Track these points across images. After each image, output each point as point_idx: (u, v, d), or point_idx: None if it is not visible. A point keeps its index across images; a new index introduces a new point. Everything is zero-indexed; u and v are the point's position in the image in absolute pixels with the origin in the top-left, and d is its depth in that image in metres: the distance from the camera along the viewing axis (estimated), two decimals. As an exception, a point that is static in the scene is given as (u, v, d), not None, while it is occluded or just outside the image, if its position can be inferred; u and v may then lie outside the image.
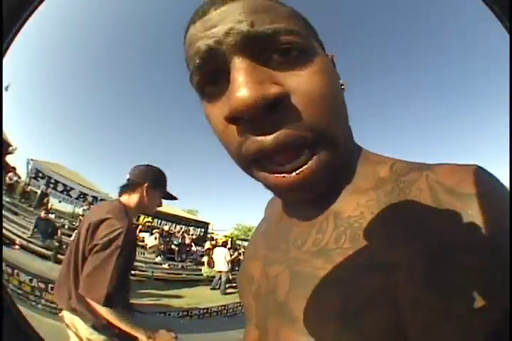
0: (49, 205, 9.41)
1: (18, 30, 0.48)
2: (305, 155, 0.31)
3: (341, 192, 0.37)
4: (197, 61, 0.32)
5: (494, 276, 0.25)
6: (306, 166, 0.31)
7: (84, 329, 1.34)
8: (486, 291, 0.24)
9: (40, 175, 11.24)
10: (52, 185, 11.40)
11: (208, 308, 6.24)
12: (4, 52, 0.48)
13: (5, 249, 4.50)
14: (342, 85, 0.39)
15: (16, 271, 4.00)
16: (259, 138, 0.30)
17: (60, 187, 11.79)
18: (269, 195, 0.39)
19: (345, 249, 0.32)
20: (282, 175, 0.31)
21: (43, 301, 3.96)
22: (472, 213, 0.26)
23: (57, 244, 6.74)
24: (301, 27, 0.34)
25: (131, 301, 5.05)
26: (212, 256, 9.35)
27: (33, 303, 3.94)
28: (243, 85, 0.28)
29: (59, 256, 6.39)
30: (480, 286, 0.25)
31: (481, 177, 0.29)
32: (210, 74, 0.33)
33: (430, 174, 0.31)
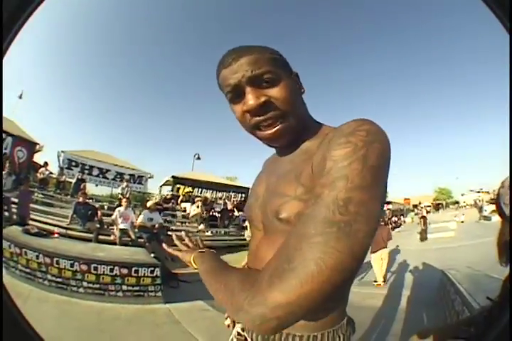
0: (86, 190, 9.69)
1: (18, 30, 0.58)
2: (276, 124, 0.67)
3: (299, 148, 0.73)
4: (229, 89, 0.67)
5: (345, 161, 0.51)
6: (276, 128, 0.67)
7: None
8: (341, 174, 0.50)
9: (74, 163, 11.57)
10: (87, 171, 11.74)
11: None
12: (4, 52, 0.58)
13: (43, 240, 4.56)
14: (302, 89, 0.76)
15: (55, 259, 4.01)
16: (255, 118, 0.66)
17: (95, 172, 12.13)
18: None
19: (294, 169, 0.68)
20: (267, 131, 0.68)
21: (84, 284, 3.97)
22: (334, 134, 0.59)
23: (98, 225, 6.91)
24: (275, 66, 0.67)
25: (176, 271, 5.10)
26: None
27: (74, 288, 3.95)
28: (250, 99, 0.64)
29: (100, 237, 6.59)
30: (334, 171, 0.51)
31: (355, 120, 0.58)
32: (235, 94, 0.67)
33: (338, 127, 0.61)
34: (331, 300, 0.59)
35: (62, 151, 11.47)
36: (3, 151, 9.25)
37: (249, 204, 0.85)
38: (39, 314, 2.96)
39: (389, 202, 24.67)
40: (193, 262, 0.81)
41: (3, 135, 9.33)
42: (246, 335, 0.77)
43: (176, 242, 1.00)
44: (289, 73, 0.71)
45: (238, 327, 0.82)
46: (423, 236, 13.61)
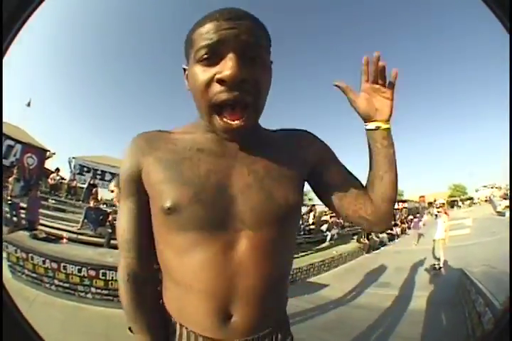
0: (98, 195, 9.72)
1: (18, 30, 0.60)
2: (245, 112, 0.61)
3: (264, 143, 0.75)
4: (208, 42, 0.57)
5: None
6: (245, 117, 0.61)
7: None
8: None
9: (85, 169, 11.67)
10: (99, 176, 11.82)
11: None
12: (4, 52, 0.59)
13: (51, 245, 4.53)
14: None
15: (62, 264, 3.93)
16: (228, 93, 0.58)
17: (107, 177, 12.20)
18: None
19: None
20: (235, 121, 0.61)
21: (93, 289, 3.88)
22: (309, 140, 0.81)
23: (109, 230, 6.84)
24: (267, 47, 0.65)
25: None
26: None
27: (82, 294, 3.87)
28: (234, 67, 0.56)
29: (112, 241, 6.54)
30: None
31: (308, 132, 0.83)
32: (210, 53, 0.58)
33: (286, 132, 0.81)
34: (285, 301, 0.81)
35: (74, 157, 11.59)
36: (13, 158, 9.42)
37: (204, 200, 0.64)
38: (45, 319, 2.89)
39: (405, 201, 24.16)
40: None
41: (13, 142, 9.52)
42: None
43: None
44: (270, 60, 0.70)
45: None
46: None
